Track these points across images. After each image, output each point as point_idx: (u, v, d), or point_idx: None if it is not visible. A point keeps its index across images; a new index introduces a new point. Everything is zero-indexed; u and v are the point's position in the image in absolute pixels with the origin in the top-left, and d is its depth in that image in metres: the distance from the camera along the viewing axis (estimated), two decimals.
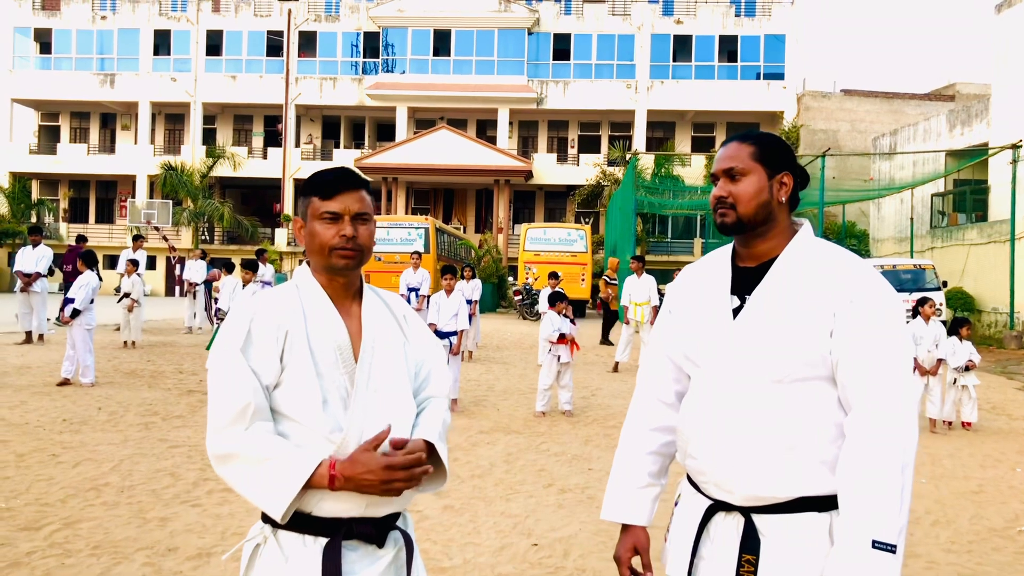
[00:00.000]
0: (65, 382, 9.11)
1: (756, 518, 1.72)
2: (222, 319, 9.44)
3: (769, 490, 1.69)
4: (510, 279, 29.33)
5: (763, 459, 1.69)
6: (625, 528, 1.94)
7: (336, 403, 1.73)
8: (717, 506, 1.79)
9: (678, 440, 1.90)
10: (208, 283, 17.22)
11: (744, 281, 1.82)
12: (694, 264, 2.00)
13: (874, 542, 1.56)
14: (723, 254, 1.91)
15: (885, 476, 1.58)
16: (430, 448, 1.81)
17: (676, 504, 1.94)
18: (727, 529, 1.76)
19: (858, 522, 1.58)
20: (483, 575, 3.90)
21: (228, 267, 12.63)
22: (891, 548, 1.56)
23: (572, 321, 8.81)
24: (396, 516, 1.81)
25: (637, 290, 12.69)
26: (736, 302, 1.80)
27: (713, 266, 1.91)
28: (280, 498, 1.63)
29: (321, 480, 1.64)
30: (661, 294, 16.39)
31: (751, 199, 1.79)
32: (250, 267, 9.54)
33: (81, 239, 16.29)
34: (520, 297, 23.90)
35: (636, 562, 1.91)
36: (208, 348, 9.56)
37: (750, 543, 1.71)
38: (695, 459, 1.81)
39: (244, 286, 9.40)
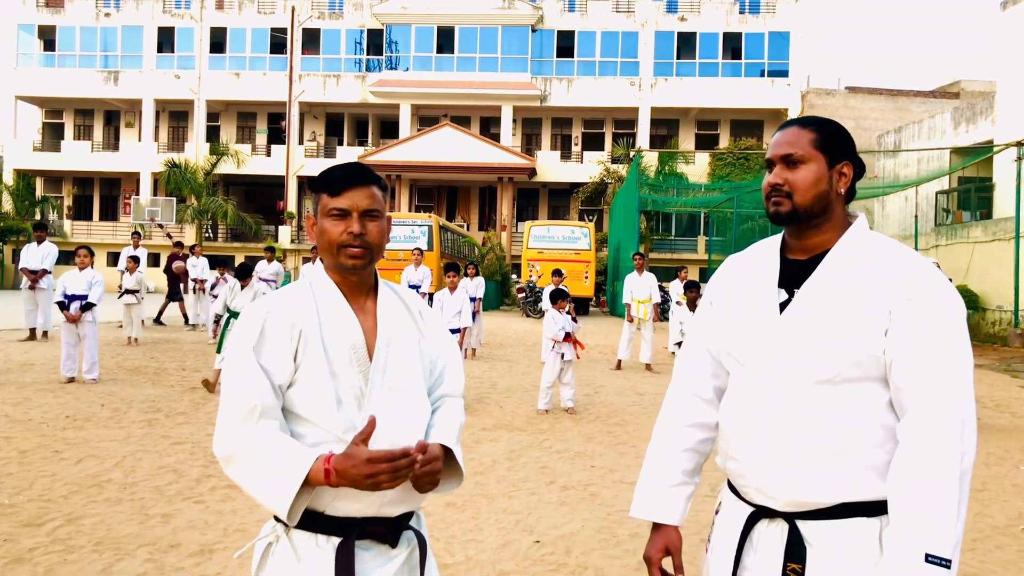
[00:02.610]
0: (72, 379, 9.14)
1: (801, 525, 1.63)
2: (217, 322, 9.42)
3: (813, 496, 1.61)
4: (513, 277, 29.34)
5: (808, 463, 1.61)
6: (656, 527, 1.86)
7: (350, 403, 1.71)
8: (759, 513, 1.70)
9: (719, 441, 1.82)
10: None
11: (793, 274, 1.72)
12: (739, 254, 1.90)
13: (928, 556, 1.47)
14: (770, 245, 1.81)
15: (942, 486, 1.49)
16: (446, 451, 1.80)
17: (717, 513, 1.86)
18: (771, 537, 1.67)
19: (912, 534, 1.49)
20: (485, 572, 3.90)
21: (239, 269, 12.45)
22: (946, 563, 1.47)
23: (574, 319, 8.80)
24: (409, 516, 1.80)
25: (639, 287, 12.70)
26: (783, 296, 1.71)
27: (760, 257, 1.81)
28: (282, 497, 1.60)
29: (318, 476, 1.61)
30: (663, 290, 16.41)
31: (809, 188, 1.69)
32: (241, 274, 9.43)
33: (179, 244, 16.58)
34: (523, 295, 23.90)
35: (667, 563, 1.84)
36: (219, 351, 9.53)
37: (795, 551, 1.62)
38: (736, 461, 1.73)
39: (243, 288, 9.34)
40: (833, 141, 1.72)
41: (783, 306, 1.69)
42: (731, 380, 1.79)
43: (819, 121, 1.75)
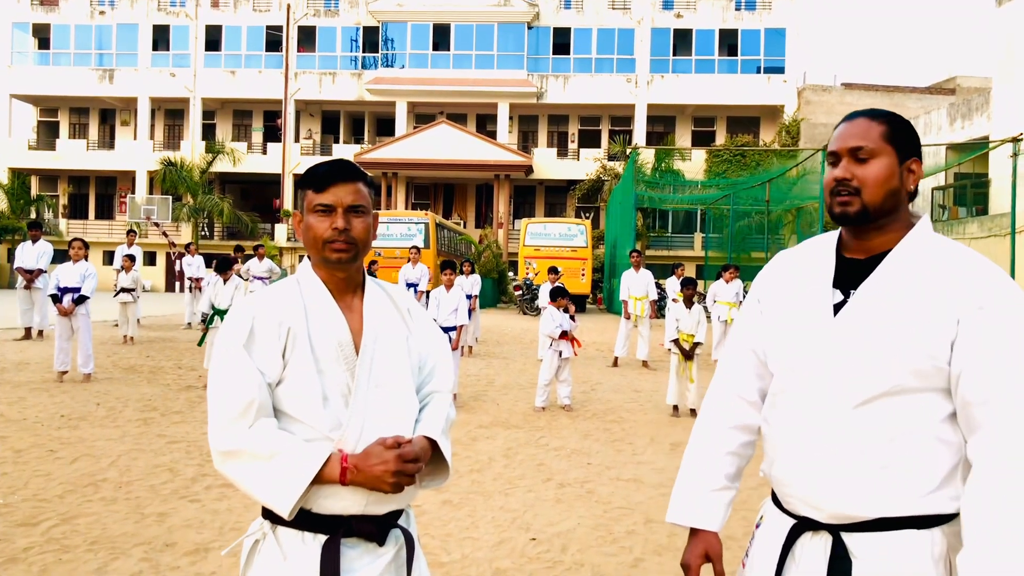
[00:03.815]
0: (64, 373, 9.12)
1: (846, 537, 1.56)
2: (204, 319, 9.40)
3: (862, 509, 1.54)
4: (510, 274, 29.32)
5: (858, 475, 1.54)
6: (695, 533, 1.77)
7: (337, 400, 1.71)
8: (802, 525, 1.62)
9: (764, 447, 1.73)
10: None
11: (849, 274, 1.61)
12: (790, 251, 1.79)
13: None
14: (825, 242, 1.71)
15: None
16: (433, 444, 1.80)
17: (758, 526, 1.78)
18: (814, 550, 1.59)
19: (993, 560, 1.40)
20: (481, 570, 3.89)
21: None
22: None
23: (572, 317, 8.78)
24: (398, 514, 1.79)
25: (635, 284, 12.70)
26: (839, 297, 1.61)
27: (813, 254, 1.71)
28: (288, 494, 1.61)
29: (332, 474, 1.63)
30: (659, 287, 16.41)
31: (880, 185, 1.58)
32: (221, 268, 9.44)
33: (239, 249, 16.20)
34: (520, 292, 23.89)
35: (707, 571, 1.77)
36: (200, 344, 9.54)
37: (839, 565, 1.54)
38: (781, 469, 1.65)
39: (224, 283, 9.32)
40: (903, 135, 1.62)
41: (838, 308, 1.60)
42: (777, 383, 1.69)
43: (888, 113, 1.65)
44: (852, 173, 1.61)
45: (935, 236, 1.61)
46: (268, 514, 1.71)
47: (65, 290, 9.31)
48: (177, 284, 21.07)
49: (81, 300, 9.27)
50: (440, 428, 1.83)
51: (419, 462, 1.70)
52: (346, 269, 1.80)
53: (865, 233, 1.63)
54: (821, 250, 1.71)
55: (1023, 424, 1.43)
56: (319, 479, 1.63)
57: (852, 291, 1.59)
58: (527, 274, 24.29)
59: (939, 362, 1.49)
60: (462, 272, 13.59)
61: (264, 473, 1.63)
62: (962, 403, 1.49)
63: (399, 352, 1.83)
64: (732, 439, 1.78)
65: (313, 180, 1.79)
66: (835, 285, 1.63)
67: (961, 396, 1.49)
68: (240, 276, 9.84)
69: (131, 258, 14.19)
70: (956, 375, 1.49)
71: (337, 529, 1.68)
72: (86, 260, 9.55)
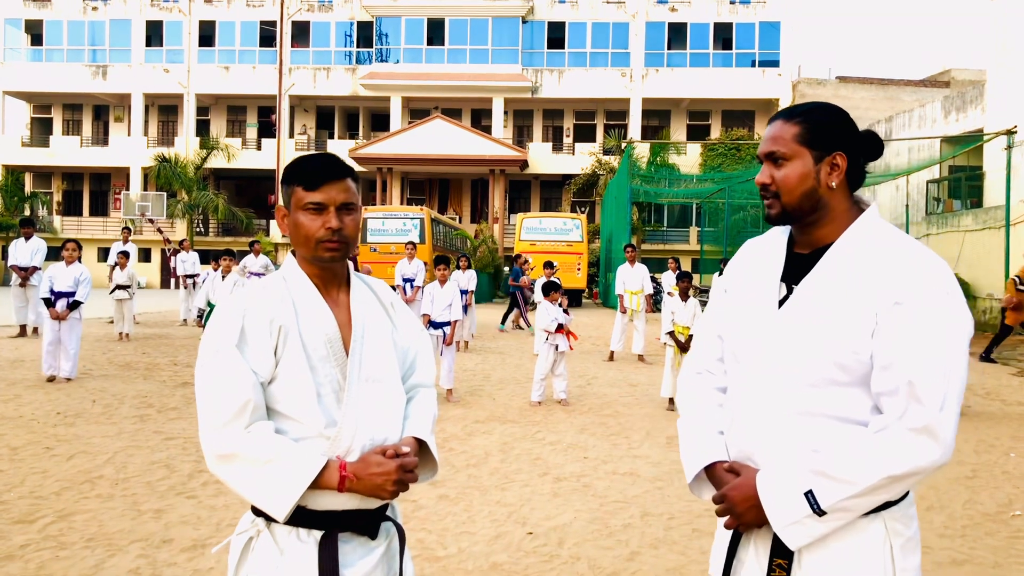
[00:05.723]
0: (52, 378, 9.02)
1: None
2: (201, 315, 9.35)
3: None
4: (506, 269, 29.32)
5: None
6: (710, 469, 1.73)
7: (329, 397, 1.71)
8: None
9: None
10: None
11: (797, 268, 1.65)
12: (756, 239, 1.83)
13: (810, 493, 1.51)
14: (783, 235, 1.75)
15: (870, 465, 1.48)
16: (420, 444, 1.82)
17: None
18: (762, 531, 1.64)
19: (815, 470, 1.51)
20: (478, 564, 3.90)
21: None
22: (818, 511, 1.51)
23: (566, 311, 8.79)
24: (387, 506, 1.81)
25: (631, 278, 12.72)
26: (784, 292, 1.65)
27: (770, 246, 1.75)
28: (284, 501, 1.62)
29: (330, 481, 1.64)
30: (655, 281, 16.43)
31: (792, 189, 1.62)
32: (231, 254, 9.42)
33: (255, 243, 15.92)
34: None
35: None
36: None
37: (782, 546, 1.59)
38: (735, 453, 1.72)
39: (224, 277, 9.26)
40: (820, 133, 1.63)
41: (783, 303, 1.64)
42: (730, 373, 1.76)
43: (807, 110, 1.66)
44: (771, 177, 1.66)
45: (878, 227, 1.63)
46: (259, 511, 1.71)
47: (59, 294, 9.20)
48: (172, 281, 20.98)
49: (75, 305, 9.17)
50: (428, 428, 1.85)
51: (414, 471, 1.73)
52: (334, 265, 1.80)
53: (803, 229, 1.68)
54: (777, 243, 1.75)
55: (914, 417, 1.47)
56: (315, 484, 1.63)
57: (795, 286, 1.63)
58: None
59: (861, 356, 1.53)
60: (458, 267, 13.61)
61: (260, 478, 1.62)
62: (874, 393, 1.54)
63: (386, 346, 1.84)
64: (717, 417, 1.79)
65: (303, 177, 1.75)
66: (783, 279, 1.67)
67: (873, 387, 1.54)
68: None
69: (125, 255, 14.16)
70: (872, 367, 1.53)
71: (332, 525, 1.69)
72: (79, 261, 9.45)
